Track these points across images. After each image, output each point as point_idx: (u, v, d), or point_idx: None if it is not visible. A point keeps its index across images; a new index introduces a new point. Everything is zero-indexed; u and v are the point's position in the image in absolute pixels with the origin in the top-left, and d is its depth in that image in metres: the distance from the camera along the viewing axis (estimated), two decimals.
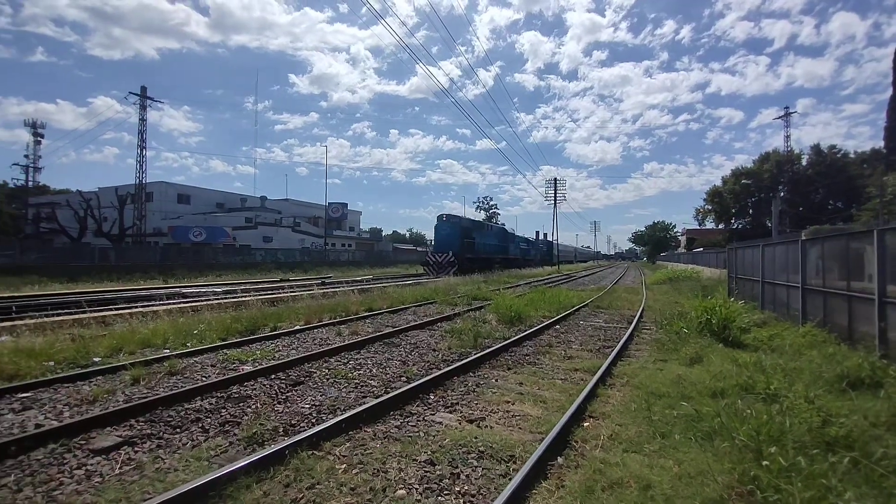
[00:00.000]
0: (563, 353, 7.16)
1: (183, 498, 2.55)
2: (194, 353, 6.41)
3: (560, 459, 3.36)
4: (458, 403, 4.60)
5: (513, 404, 4.63)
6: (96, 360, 6.00)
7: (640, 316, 11.15)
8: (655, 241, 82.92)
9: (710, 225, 61.95)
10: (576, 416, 4.10)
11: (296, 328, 8.53)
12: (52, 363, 5.67)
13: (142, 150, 37.01)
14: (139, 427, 3.80)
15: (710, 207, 57.89)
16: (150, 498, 2.60)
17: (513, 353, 6.94)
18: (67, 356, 5.91)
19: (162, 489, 2.79)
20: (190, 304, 9.05)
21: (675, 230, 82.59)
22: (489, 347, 7.05)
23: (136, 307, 9.31)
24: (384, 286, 15.32)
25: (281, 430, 3.83)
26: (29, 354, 5.61)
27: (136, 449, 3.43)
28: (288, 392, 4.86)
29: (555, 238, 52.29)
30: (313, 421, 4.05)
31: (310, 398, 4.68)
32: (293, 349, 7.00)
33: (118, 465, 3.16)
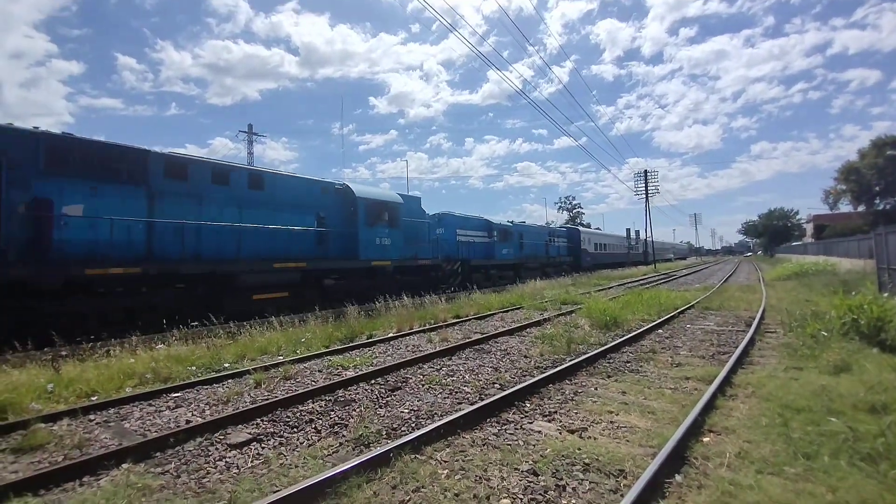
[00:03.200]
0: (669, 359, 6.53)
1: (305, 492, 2.77)
2: (303, 359, 7.02)
3: (679, 477, 3.03)
4: (556, 412, 4.42)
5: (617, 415, 4.32)
6: (226, 365, 6.87)
7: (762, 317, 9.77)
8: (773, 232, 72.40)
9: (845, 208, 52.07)
10: (693, 430, 3.68)
11: (389, 336, 8.94)
12: (193, 368, 6.61)
13: None
14: (264, 426, 4.25)
15: (843, 188, 48.64)
16: (279, 490, 2.88)
17: (611, 360, 6.50)
18: (205, 362, 6.85)
19: (287, 483, 3.07)
20: (298, 316, 9.97)
21: (797, 217, 71.39)
22: (584, 354, 6.70)
23: (255, 319, 10.50)
24: (469, 293, 15.45)
25: (384, 433, 4.01)
26: (177, 360, 6.60)
27: (262, 445, 3.83)
28: (387, 397, 5.09)
29: (647, 234, 47.96)
30: (413, 425, 4.18)
31: (408, 403, 4.84)
32: (388, 356, 7.33)
33: (250, 459, 3.56)
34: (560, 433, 3.88)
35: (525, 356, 6.99)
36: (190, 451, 3.69)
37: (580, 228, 36.13)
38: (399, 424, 4.21)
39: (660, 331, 8.87)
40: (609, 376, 5.71)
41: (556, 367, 6.00)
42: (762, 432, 3.67)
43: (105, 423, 4.44)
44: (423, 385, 5.52)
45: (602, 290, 18.82)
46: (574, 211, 79.73)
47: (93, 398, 5.22)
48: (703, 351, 7.05)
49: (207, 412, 4.72)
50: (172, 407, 4.92)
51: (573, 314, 11.12)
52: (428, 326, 9.92)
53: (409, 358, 6.77)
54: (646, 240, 49.17)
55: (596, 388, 5.20)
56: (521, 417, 4.31)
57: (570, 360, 6.34)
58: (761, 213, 78.68)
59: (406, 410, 4.62)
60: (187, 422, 4.40)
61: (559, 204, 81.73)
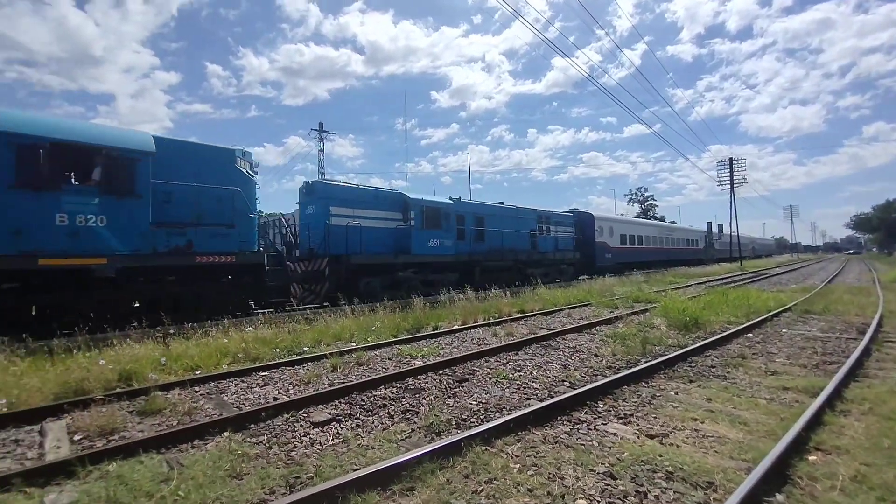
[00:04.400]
0: (762, 366, 5.92)
1: (383, 473, 2.91)
2: (374, 347, 7.34)
3: (780, 497, 2.74)
4: (632, 415, 4.20)
5: (702, 423, 4.00)
6: (305, 349, 7.39)
7: (879, 325, 8.51)
8: (891, 226, 62.54)
9: None
10: (796, 446, 3.31)
11: (454, 328, 9.05)
12: (277, 350, 7.20)
13: (321, 176, 44.83)
14: (341, 407, 4.52)
15: None
16: (358, 469, 3.05)
17: (693, 364, 6.04)
18: (287, 345, 7.43)
19: (365, 462, 3.24)
20: (368, 305, 10.45)
21: None
22: (662, 356, 6.29)
23: (327, 307, 11.19)
24: (533, 288, 15.15)
25: (453, 422, 4.08)
26: (263, 342, 7.23)
27: (341, 425, 4.07)
28: (455, 388, 5.16)
29: (732, 228, 43.38)
30: (482, 417, 4.21)
31: (476, 395, 4.88)
32: (454, 347, 7.43)
33: (330, 438, 3.81)
34: (638, 437, 3.68)
35: (595, 355, 6.72)
36: (279, 425, 4.03)
37: (595, 214, 25.08)
38: (468, 416, 4.26)
39: (749, 335, 8.06)
40: (691, 381, 5.31)
41: (631, 367, 5.70)
42: (884, 455, 3.21)
43: (208, 395, 4.99)
44: (489, 378, 5.52)
45: (679, 287, 17.52)
46: (647, 203, 74.77)
47: (196, 372, 5.90)
48: (804, 359, 6.30)
49: (291, 391, 5.12)
50: (261, 384, 5.40)
51: (647, 313, 10.48)
52: (492, 320, 9.89)
53: (475, 351, 6.81)
54: (731, 234, 44.43)
55: (676, 393, 4.86)
56: (594, 418, 4.15)
57: (646, 362, 5.98)
58: (876, 204, 68.24)
59: (474, 402, 4.65)
60: (275, 399, 4.81)
61: (630, 196, 76.91)
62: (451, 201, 16.12)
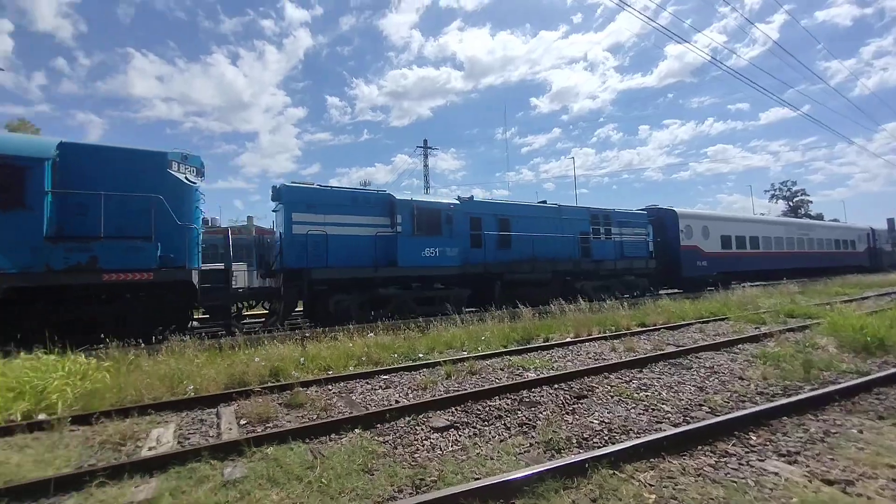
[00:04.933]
0: None
1: (505, 485, 2.87)
2: (485, 356, 7.38)
3: None
4: (798, 453, 3.50)
5: None
6: (420, 355, 7.75)
7: None
8: None
9: None
10: None
11: (566, 340, 8.65)
12: (395, 355, 7.68)
13: (427, 191, 47.14)
14: (458, 415, 4.61)
15: None
16: (480, 478, 3.06)
17: (882, 396, 4.83)
18: (403, 351, 7.87)
19: (486, 472, 3.24)
20: (477, 315, 10.59)
21: None
22: (834, 383, 5.17)
23: (439, 316, 11.64)
24: (655, 300, 13.76)
25: (574, 441, 3.86)
26: (383, 348, 7.78)
27: (459, 433, 4.15)
28: (573, 404, 4.90)
29: None
30: (605, 438, 3.91)
31: (597, 413, 4.57)
32: (568, 361, 7.09)
33: (449, 444, 3.90)
34: (810, 481, 3.04)
35: (740, 378, 5.80)
36: (402, 427, 4.27)
37: (679, 210, 19.79)
38: (590, 435, 4.00)
39: None
40: (882, 418, 4.24)
41: (791, 396, 4.79)
42: None
43: (339, 394, 5.53)
44: (611, 396, 5.13)
45: (852, 300, 14.30)
46: (796, 199, 63.08)
47: (329, 372, 6.58)
48: None
49: (410, 395, 5.40)
50: (384, 387, 5.80)
51: (807, 331, 8.74)
52: (609, 334, 9.22)
53: (592, 366, 6.41)
54: None
55: (860, 431, 3.93)
56: (746, 452, 3.56)
57: (812, 390, 4.98)
58: None
59: (596, 421, 4.35)
60: (396, 401, 5.11)
61: (772, 192, 65.64)
62: (456, 201, 13.41)
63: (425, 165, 47.28)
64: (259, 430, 4.26)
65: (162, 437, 4.14)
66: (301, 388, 5.42)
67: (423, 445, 3.85)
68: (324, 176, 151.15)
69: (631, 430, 4.10)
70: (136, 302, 8.45)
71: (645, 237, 18.10)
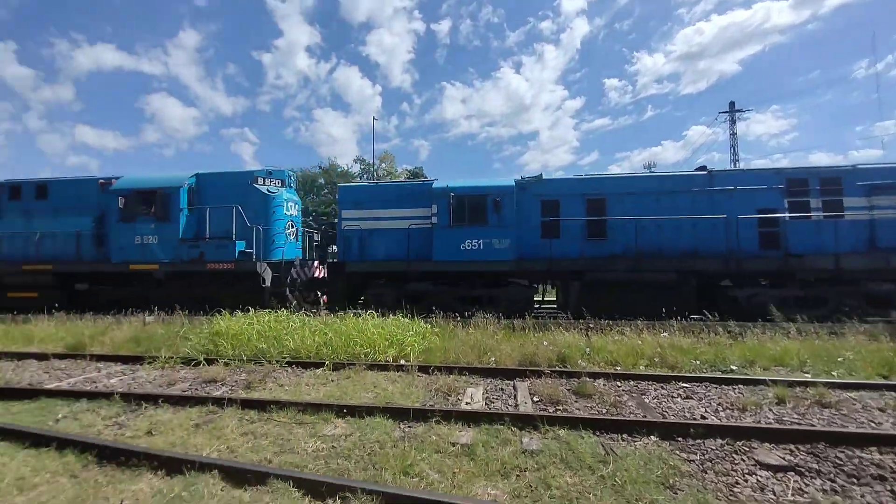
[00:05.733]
0: None
1: None
2: (848, 385, 5.23)
3: None
4: None
5: None
6: (732, 367, 6.28)
7: None
8: None
9: None
10: None
11: None
12: (697, 362, 6.51)
13: (734, 164, 37.73)
14: (801, 457, 3.41)
15: None
16: None
17: None
18: (708, 358, 6.58)
19: None
20: (827, 326, 7.69)
21: None
22: None
23: (762, 322, 9.14)
24: None
25: None
26: (680, 351, 6.74)
27: (805, 481, 3.06)
28: None
29: None
30: None
31: None
32: None
33: (790, 492, 2.93)
34: None
35: None
36: (712, 449, 3.53)
37: None
38: None
39: None
40: None
41: None
42: None
43: (629, 392, 5.15)
44: None
45: None
46: None
47: (616, 367, 6.26)
48: None
49: (722, 414, 4.42)
50: (683, 396, 5.00)
51: None
52: None
53: None
54: None
55: None
56: None
57: None
58: None
59: None
60: (702, 417, 4.30)
61: None
62: (513, 182, 10.91)
63: (732, 134, 38.43)
64: (550, 411, 4.48)
65: (474, 395, 4.98)
66: (588, 379, 5.37)
67: (745, 481, 3.05)
68: (602, 164, 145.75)
69: None
70: (230, 285, 11.26)
71: None
